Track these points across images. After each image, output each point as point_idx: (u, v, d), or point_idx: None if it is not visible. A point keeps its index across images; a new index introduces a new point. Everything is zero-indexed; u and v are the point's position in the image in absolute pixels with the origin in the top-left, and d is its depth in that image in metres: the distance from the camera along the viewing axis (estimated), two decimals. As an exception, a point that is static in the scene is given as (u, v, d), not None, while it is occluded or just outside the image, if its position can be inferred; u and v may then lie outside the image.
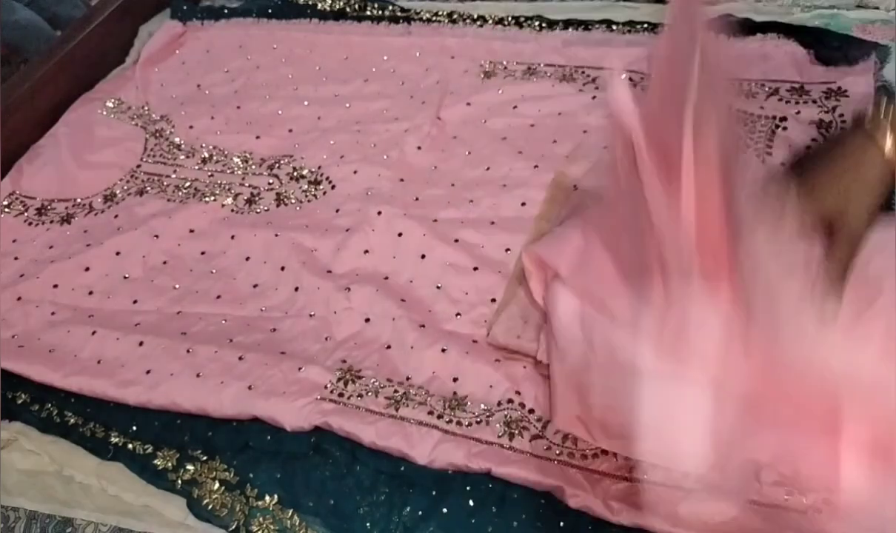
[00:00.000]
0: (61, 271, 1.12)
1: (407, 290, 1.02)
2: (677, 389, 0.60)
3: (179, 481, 0.88)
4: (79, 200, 1.26)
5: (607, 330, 0.72)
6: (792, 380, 0.60)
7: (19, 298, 1.10)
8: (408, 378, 0.92)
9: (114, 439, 0.93)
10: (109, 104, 1.42)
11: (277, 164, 1.25)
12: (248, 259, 1.11)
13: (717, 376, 0.59)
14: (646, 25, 1.33)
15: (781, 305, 0.59)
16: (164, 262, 1.14)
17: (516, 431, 0.83)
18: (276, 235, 1.12)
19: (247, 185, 1.24)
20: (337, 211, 1.15)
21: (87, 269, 1.13)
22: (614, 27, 1.35)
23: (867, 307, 0.62)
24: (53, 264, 1.13)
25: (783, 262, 0.59)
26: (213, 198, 1.21)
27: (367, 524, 0.81)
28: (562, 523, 0.76)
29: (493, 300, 0.97)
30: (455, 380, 0.90)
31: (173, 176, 1.27)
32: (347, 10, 1.55)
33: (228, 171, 1.27)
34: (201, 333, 1.01)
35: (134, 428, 0.94)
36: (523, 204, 1.08)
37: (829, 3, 1.30)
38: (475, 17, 1.44)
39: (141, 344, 1.00)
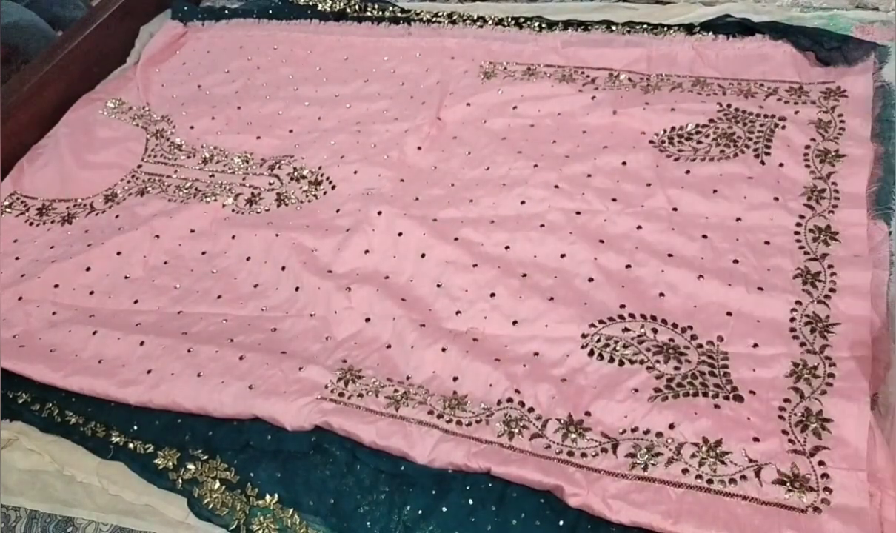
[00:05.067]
0: (62, 271, 1.12)
1: (407, 289, 1.02)
2: None
3: (180, 481, 0.89)
4: (80, 200, 1.26)
5: None
6: None
7: (20, 298, 1.10)
8: (408, 378, 0.92)
9: (114, 439, 0.93)
10: (110, 104, 1.42)
11: (278, 165, 1.26)
12: (248, 259, 1.12)
13: None
14: (645, 26, 1.34)
15: None
16: (165, 262, 1.14)
17: (516, 430, 0.84)
18: (277, 235, 1.12)
19: (247, 185, 1.24)
20: (337, 211, 1.15)
21: (88, 269, 1.13)
22: (613, 28, 1.35)
23: None
24: (54, 264, 1.13)
25: None
26: (213, 198, 1.21)
27: (368, 523, 0.81)
28: (561, 522, 0.77)
29: (493, 295, 0.97)
30: (455, 379, 0.90)
31: (174, 176, 1.28)
32: (348, 10, 1.55)
33: (229, 172, 1.27)
34: (202, 333, 1.02)
35: (135, 427, 0.94)
36: (522, 203, 1.08)
37: (828, 3, 1.31)
38: (475, 17, 1.45)
39: (142, 344, 1.00)
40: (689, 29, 1.30)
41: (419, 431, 0.85)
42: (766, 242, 0.97)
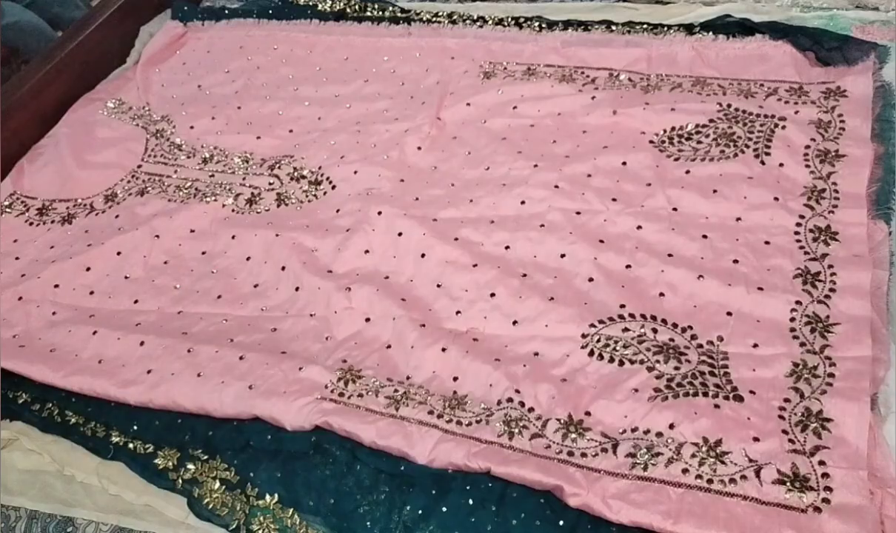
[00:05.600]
0: (62, 271, 1.12)
1: (407, 289, 1.02)
2: None
3: (180, 481, 0.89)
4: (80, 200, 1.26)
5: None
6: None
7: (20, 298, 1.10)
8: (408, 377, 0.92)
9: (114, 439, 0.93)
10: (110, 104, 1.42)
11: (278, 165, 1.26)
12: (248, 259, 1.12)
13: None
14: (645, 26, 1.34)
15: None
16: (165, 263, 1.14)
17: (516, 430, 0.84)
18: (277, 235, 1.12)
19: (247, 185, 1.24)
20: (337, 211, 1.15)
21: (88, 269, 1.13)
22: (613, 28, 1.35)
23: None
24: (54, 264, 1.13)
25: None
26: (213, 198, 1.21)
27: (368, 523, 0.81)
28: (561, 522, 0.77)
29: (493, 295, 0.97)
30: (455, 379, 0.90)
31: (174, 176, 1.28)
32: (348, 10, 1.55)
33: (229, 172, 1.27)
34: (202, 333, 1.02)
35: (135, 427, 0.94)
36: (522, 203, 1.08)
37: (828, 3, 1.31)
38: (475, 17, 1.45)
39: (142, 344, 1.00)
40: (689, 29, 1.30)
41: (419, 431, 0.85)
42: (766, 242, 0.97)
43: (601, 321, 0.92)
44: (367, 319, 0.99)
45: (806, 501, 0.73)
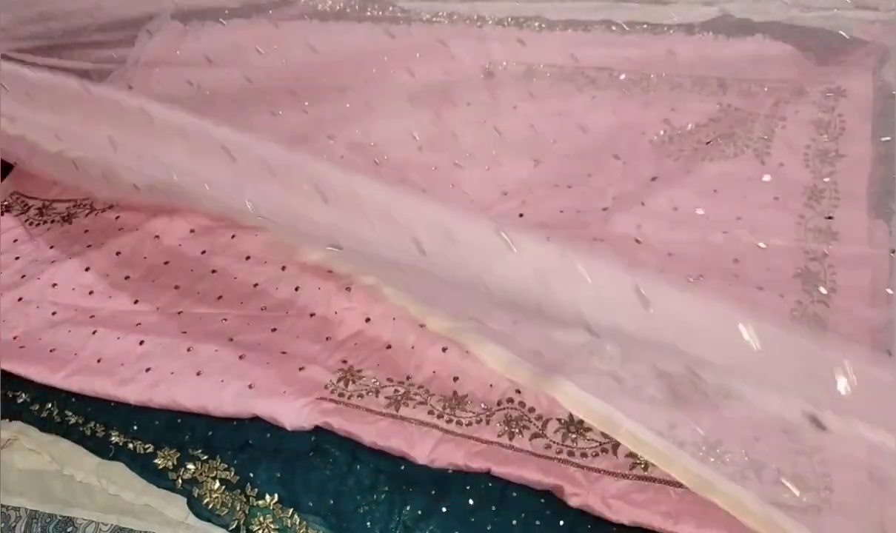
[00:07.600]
0: (62, 271, 1.12)
1: (407, 289, 1.02)
2: None
3: (180, 481, 0.89)
4: (80, 200, 1.26)
5: None
6: None
7: (20, 299, 1.10)
8: (408, 377, 0.92)
9: (114, 439, 0.93)
10: (110, 105, 1.42)
11: (278, 165, 1.25)
12: (248, 259, 1.12)
13: None
14: (645, 26, 1.33)
15: None
16: (165, 263, 1.14)
17: (516, 430, 0.84)
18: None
19: (247, 185, 1.24)
20: (337, 211, 1.15)
21: (88, 269, 1.13)
22: (614, 27, 1.35)
23: None
24: (54, 264, 1.13)
25: None
26: (213, 198, 1.21)
27: (368, 523, 0.81)
28: (561, 522, 0.77)
29: (493, 296, 0.97)
30: (455, 379, 0.90)
31: (174, 176, 1.27)
32: (348, 10, 1.55)
33: (229, 172, 1.27)
34: (202, 332, 1.01)
35: (134, 427, 0.94)
36: (523, 202, 1.08)
37: (828, 3, 1.31)
38: (475, 17, 1.45)
39: (141, 343, 1.00)
40: (689, 29, 1.30)
41: (419, 432, 0.85)
42: (766, 242, 0.97)
43: (601, 321, 0.92)
44: (367, 319, 0.99)
45: (806, 500, 0.73)
